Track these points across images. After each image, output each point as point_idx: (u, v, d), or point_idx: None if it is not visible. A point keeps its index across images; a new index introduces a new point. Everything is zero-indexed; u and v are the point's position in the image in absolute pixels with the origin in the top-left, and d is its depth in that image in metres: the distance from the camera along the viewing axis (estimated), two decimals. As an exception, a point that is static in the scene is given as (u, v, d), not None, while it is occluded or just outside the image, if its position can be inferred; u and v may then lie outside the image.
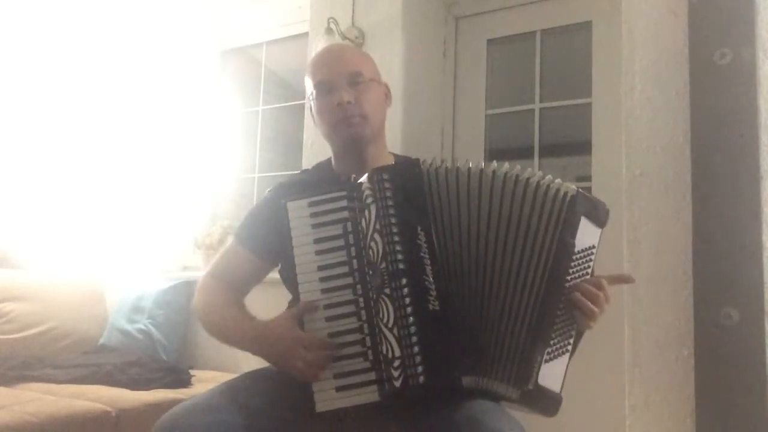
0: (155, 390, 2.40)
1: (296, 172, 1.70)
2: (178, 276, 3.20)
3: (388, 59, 2.61)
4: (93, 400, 2.19)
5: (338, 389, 1.16)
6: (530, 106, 2.70)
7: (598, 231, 1.23)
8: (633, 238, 1.83)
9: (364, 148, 1.44)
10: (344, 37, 2.66)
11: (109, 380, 2.45)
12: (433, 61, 2.79)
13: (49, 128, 3.30)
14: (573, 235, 1.19)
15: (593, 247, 1.23)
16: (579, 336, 1.26)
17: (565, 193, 1.21)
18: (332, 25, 2.63)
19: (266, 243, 1.41)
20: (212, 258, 3.12)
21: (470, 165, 1.21)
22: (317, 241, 1.23)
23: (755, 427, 1.57)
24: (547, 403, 1.17)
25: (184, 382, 2.55)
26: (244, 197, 3.40)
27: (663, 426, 1.72)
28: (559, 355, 1.19)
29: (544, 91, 2.68)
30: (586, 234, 1.21)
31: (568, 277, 1.19)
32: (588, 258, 1.22)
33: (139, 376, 2.50)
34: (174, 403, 1.24)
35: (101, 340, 2.96)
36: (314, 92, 1.44)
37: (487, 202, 1.19)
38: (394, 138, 2.56)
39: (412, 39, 2.65)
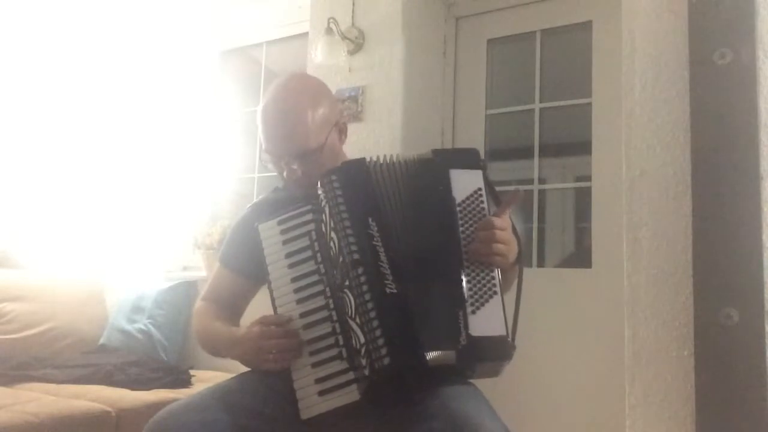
0: (155, 390, 2.40)
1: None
2: (178, 276, 3.20)
3: (388, 59, 2.61)
4: (93, 400, 2.19)
5: (320, 393, 1.20)
6: (530, 106, 2.70)
7: (477, 173, 1.28)
8: (633, 238, 1.83)
9: None
10: (344, 37, 2.66)
11: (109, 380, 2.45)
12: (433, 61, 2.79)
13: (50, 128, 3.30)
14: (447, 189, 1.25)
15: (479, 189, 1.27)
16: (521, 266, 1.30)
17: (423, 159, 1.30)
18: (332, 25, 2.63)
19: (248, 262, 1.43)
20: (212, 258, 3.13)
21: (401, 158, 1.30)
22: (288, 255, 1.30)
23: (755, 427, 1.57)
24: (492, 349, 1.17)
25: (184, 382, 2.56)
26: (244, 197, 3.40)
27: (663, 426, 1.72)
28: (485, 301, 1.19)
29: (544, 91, 2.68)
30: (465, 181, 1.27)
31: (461, 228, 1.23)
32: (477, 201, 1.26)
33: (139, 376, 2.50)
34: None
35: (101, 340, 2.96)
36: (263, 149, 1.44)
37: (398, 188, 1.27)
38: (394, 138, 2.56)
39: (412, 39, 2.65)
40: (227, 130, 3.51)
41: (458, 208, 1.24)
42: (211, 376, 2.64)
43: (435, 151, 1.32)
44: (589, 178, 2.50)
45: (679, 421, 1.70)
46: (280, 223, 1.32)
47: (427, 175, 1.28)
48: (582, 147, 2.54)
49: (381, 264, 1.18)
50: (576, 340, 2.41)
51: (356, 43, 2.69)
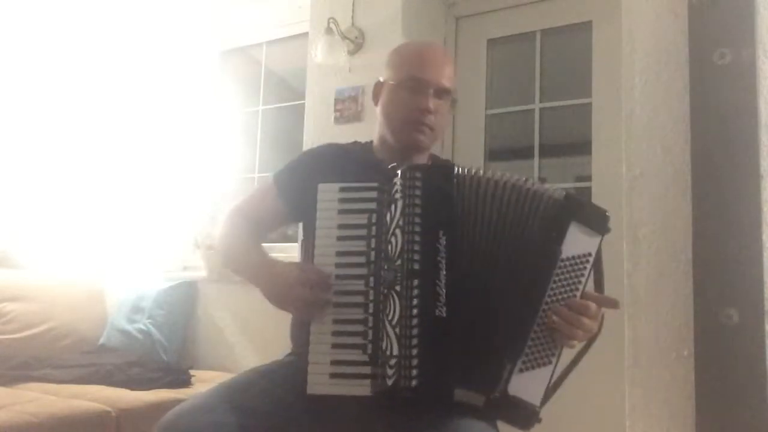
0: (155, 390, 2.40)
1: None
2: (178, 276, 3.20)
3: (388, 59, 2.61)
4: (93, 400, 2.19)
5: (332, 376, 1.15)
6: (530, 106, 2.70)
7: (596, 238, 1.18)
8: (633, 238, 1.83)
9: (414, 153, 1.46)
10: (344, 37, 2.66)
11: (109, 380, 2.45)
12: (433, 61, 2.79)
13: (49, 128, 3.30)
14: (560, 239, 1.15)
15: (588, 254, 1.17)
16: (585, 350, 1.24)
17: (552, 198, 1.19)
18: (332, 25, 2.63)
19: (300, 195, 1.39)
20: (212, 258, 3.12)
21: (496, 175, 1.20)
22: (341, 227, 1.22)
23: (755, 427, 1.57)
24: (518, 413, 1.14)
25: (184, 382, 2.56)
26: (244, 197, 3.39)
27: (663, 426, 1.72)
28: (536, 366, 1.15)
29: (544, 91, 2.68)
30: (578, 240, 1.16)
31: (553, 285, 1.15)
32: (581, 266, 1.17)
33: (139, 376, 2.50)
34: (174, 403, 1.25)
35: (101, 340, 2.96)
36: (397, 82, 1.43)
37: (491, 210, 1.19)
38: (394, 138, 2.56)
39: (412, 39, 2.64)
40: (227, 130, 3.51)
41: (559, 263, 1.15)
42: (211, 376, 2.64)
43: (568, 197, 1.19)
44: (589, 178, 2.49)
45: (679, 421, 1.70)
46: (342, 190, 1.24)
47: (543, 213, 1.18)
48: (582, 147, 2.54)
49: (438, 283, 1.13)
50: (576, 340, 2.41)
51: (356, 43, 2.69)
